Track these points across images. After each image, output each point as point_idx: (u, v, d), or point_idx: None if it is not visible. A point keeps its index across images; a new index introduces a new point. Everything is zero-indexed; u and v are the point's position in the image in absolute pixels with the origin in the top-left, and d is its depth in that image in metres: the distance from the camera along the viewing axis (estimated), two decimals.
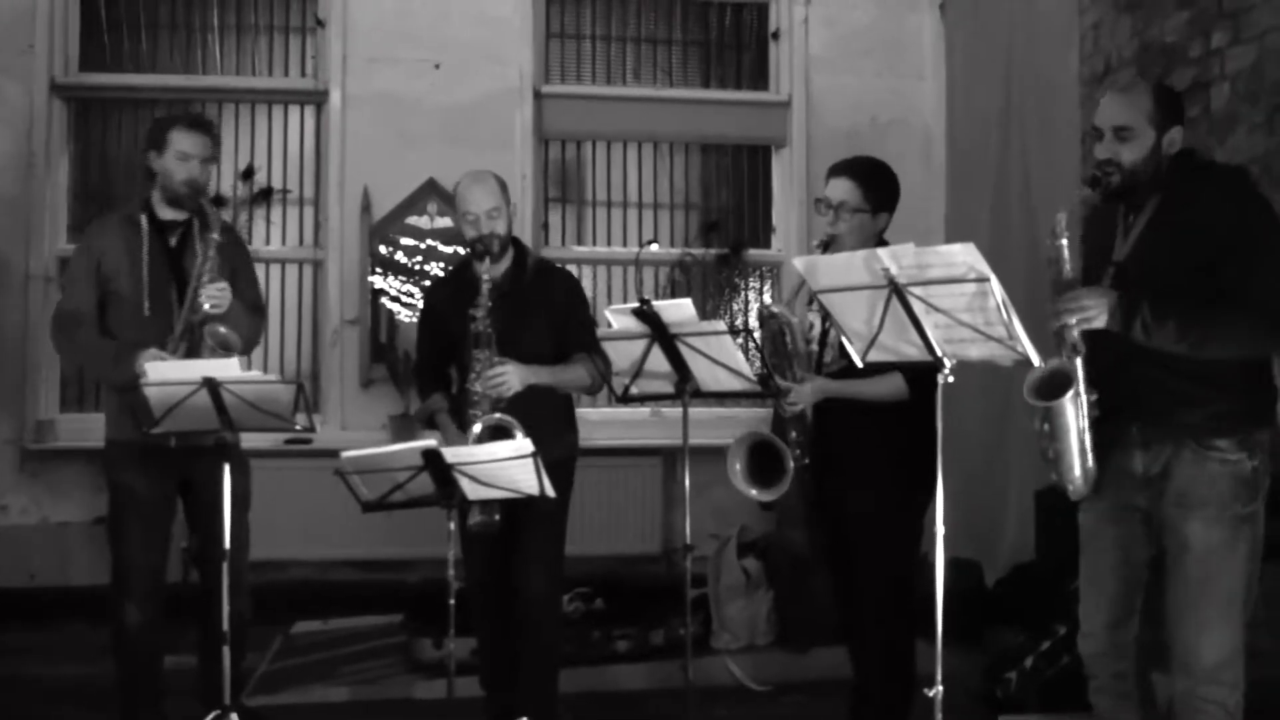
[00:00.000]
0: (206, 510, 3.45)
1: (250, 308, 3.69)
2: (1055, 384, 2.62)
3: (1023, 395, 2.64)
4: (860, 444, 3.29)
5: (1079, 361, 2.61)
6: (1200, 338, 2.59)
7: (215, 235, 3.47)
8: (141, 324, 3.49)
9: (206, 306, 3.44)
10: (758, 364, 3.39)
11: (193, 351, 3.44)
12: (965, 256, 2.43)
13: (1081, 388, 2.62)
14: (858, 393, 3.23)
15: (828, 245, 3.25)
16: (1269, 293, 2.58)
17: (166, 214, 3.61)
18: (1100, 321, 2.60)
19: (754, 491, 3.31)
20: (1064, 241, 2.65)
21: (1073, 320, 2.60)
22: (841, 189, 3.31)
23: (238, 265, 3.67)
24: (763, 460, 3.29)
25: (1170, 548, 2.72)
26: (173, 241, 3.60)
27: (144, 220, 3.57)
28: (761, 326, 3.40)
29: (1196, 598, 2.66)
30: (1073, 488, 2.73)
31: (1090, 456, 2.68)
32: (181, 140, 3.56)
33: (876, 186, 3.33)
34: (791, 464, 3.22)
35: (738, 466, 3.30)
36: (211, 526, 3.37)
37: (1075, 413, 2.63)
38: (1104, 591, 2.84)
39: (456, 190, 3.61)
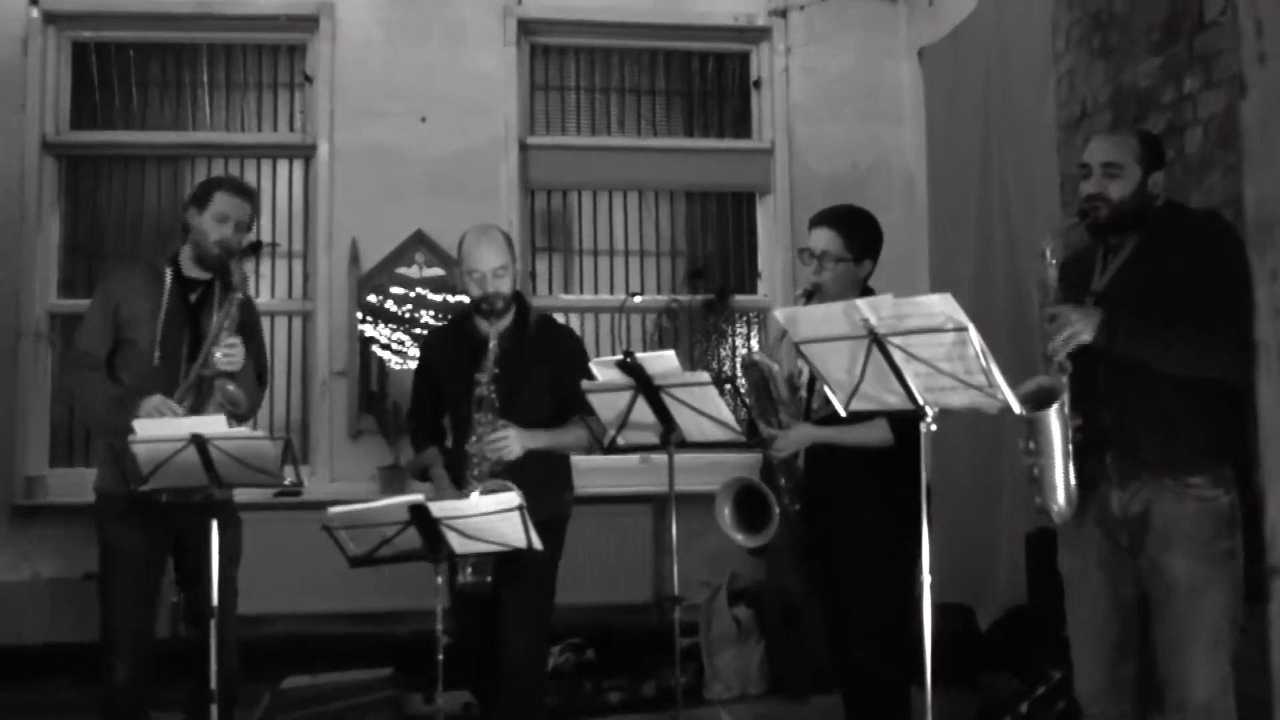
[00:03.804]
0: (198, 567, 3.44)
1: (255, 376, 3.71)
2: (1042, 398, 2.67)
3: (1011, 432, 2.69)
4: (851, 489, 3.31)
5: (1065, 380, 2.67)
6: (1180, 349, 2.66)
7: (239, 295, 3.53)
8: (150, 374, 3.51)
9: (219, 359, 3.46)
10: (743, 412, 3.42)
11: (199, 404, 3.45)
12: (943, 306, 2.46)
13: (1067, 406, 2.66)
14: (843, 439, 3.26)
15: (811, 294, 3.28)
16: (1227, 314, 2.62)
17: (192, 271, 3.64)
18: (1087, 337, 2.67)
19: (740, 537, 3.32)
20: (1053, 262, 2.72)
21: (1061, 337, 2.67)
22: (823, 239, 3.35)
23: (250, 332, 3.69)
24: (750, 505, 3.31)
25: (1155, 587, 2.74)
26: (193, 298, 3.63)
27: (168, 274, 3.61)
28: (745, 375, 3.43)
29: (1184, 635, 2.68)
30: (1056, 508, 2.75)
31: (1074, 479, 2.72)
32: (223, 202, 3.60)
33: (858, 235, 3.37)
34: (778, 510, 3.23)
35: (725, 512, 3.32)
36: (202, 583, 3.36)
37: (1060, 429, 2.67)
38: (1101, 636, 2.85)
39: (462, 246, 3.56)
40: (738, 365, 6.14)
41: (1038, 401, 2.66)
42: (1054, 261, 2.73)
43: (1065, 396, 2.66)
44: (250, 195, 3.71)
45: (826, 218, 3.39)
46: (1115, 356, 2.69)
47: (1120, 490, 2.77)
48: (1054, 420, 2.66)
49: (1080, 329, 2.67)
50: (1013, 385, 2.56)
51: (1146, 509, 2.73)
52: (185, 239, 3.66)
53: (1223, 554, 2.69)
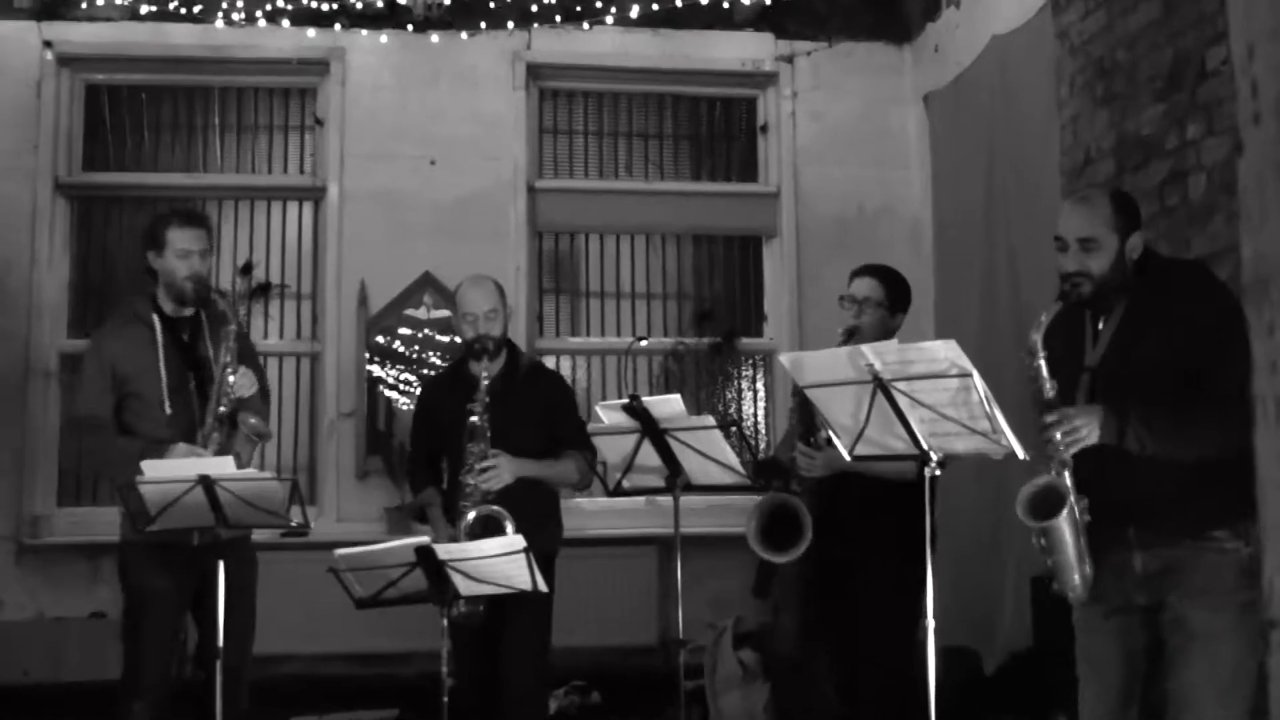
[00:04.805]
0: (215, 607, 3.44)
1: (261, 392, 3.75)
2: (1049, 501, 2.62)
3: (1017, 476, 2.66)
4: (870, 524, 3.39)
5: (1068, 475, 2.62)
6: (1188, 439, 2.62)
7: (233, 327, 3.53)
8: (163, 422, 3.52)
9: (236, 390, 3.48)
10: (748, 455, 3.46)
11: (226, 442, 3.47)
12: (947, 352, 2.48)
13: (1073, 499, 2.63)
14: (869, 468, 3.30)
15: (852, 334, 3.43)
16: (1235, 388, 2.62)
17: (174, 310, 3.65)
18: (1093, 439, 2.62)
19: (765, 553, 3.37)
20: (1041, 361, 2.67)
21: (1064, 441, 2.61)
22: (867, 286, 3.57)
23: (244, 351, 3.70)
24: (780, 524, 3.37)
25: (1174, 637, 2.72)
26: (185, 337, 3.65)
27: (156, 320, 3.61)
28: (796, 392, 3.47)
29: (1201, 684, 2.66)
30: (1074, 595, 2.74)
31: (1088, 563, 2.69)
32: (180, 238, 3.59)
33: (897, 290, 3.62)
34: (810, 527, 3.29)
35: (753, 525, 3.36)
36: (225, 622, 3.35)
37: (1071, 525, 2.64)
38: (1105, 681, 2.84)
39: (457, 292, 3.81)
40: (746, 404, 6.16)
41: (1045, 504, 2.61)
42: (1043, 355, 2.66)
43: (1071, 495, 2.61)
44: (202, 220, 3.71)
45: (870, 270, 3.64)
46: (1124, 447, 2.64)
47: (1143, 551, 2.74)
48: (1065, 524, 2.61)
49: (1085, 433, 2.61)
50: (1016, 430, 2.57)
51: (1166, 564, 2.72)
52: (156, 282, 3.64)
53: (1242, 605, 2.66)
